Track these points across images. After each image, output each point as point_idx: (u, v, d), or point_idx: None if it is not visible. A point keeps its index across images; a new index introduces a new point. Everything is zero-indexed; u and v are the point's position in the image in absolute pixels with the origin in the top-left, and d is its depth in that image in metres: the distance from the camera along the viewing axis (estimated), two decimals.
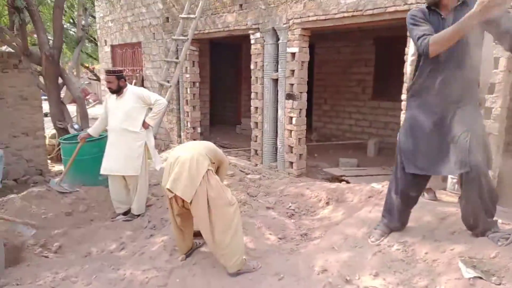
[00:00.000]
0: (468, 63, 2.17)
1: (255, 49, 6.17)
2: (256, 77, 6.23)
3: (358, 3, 4.76)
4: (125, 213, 4.27)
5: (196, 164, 2.63)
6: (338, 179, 5.33)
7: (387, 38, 7.33)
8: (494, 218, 2.26)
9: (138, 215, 4.22)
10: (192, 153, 2.71)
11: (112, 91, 4.13)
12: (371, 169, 5.66)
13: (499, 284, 1.84)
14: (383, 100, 7.71)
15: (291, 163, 5.73)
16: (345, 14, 4.92)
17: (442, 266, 2.12)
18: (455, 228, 2.47)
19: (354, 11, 4.82)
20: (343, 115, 8.63)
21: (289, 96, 5.69)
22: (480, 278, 1.90)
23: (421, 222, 2.69)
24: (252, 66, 6.26)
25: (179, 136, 8.23)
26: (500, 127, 3.67)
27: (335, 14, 5.02)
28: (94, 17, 11.75)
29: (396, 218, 2.57)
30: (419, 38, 2.14)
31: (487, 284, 1.86)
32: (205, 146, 2.90)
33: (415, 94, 2.37)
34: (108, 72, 4.09)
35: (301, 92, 5.67)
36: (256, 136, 6.30)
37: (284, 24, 5.67)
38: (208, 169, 2.64)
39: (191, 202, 2.56)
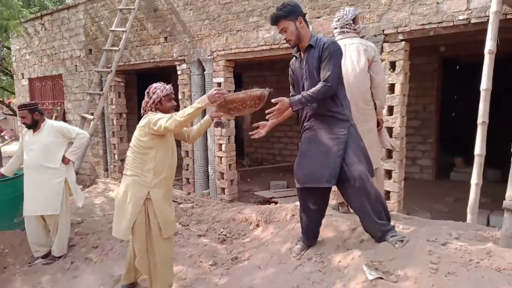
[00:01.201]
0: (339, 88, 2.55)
1: (182, 79, 6.30)
2: (184, 107, 6.32)
3: (275, 37, 5.16)
4: (44, 256, 3.98)
5: (130, 199, 2.66)
6: (268, 201, 5.53)
7: None
8: (392, 223, 2.56)
9: (60, 257, 3.97)
10: (127, 185, 2.73)
11: (28, 126, 3.94)
12: None
13: (396, 282, 2.09)
14: None
15: (223, 189, 5.83)
16: (264, 47, 5.29)
17: (352, 271, 2.35)
18: (364, 236, 2.74)
19: (271, 45, 5.21)
20: (272, 140, 9.01)
21: (218, 124, 5.80)
22: (381, 278, 2.14)
23: (336, 233, 2.94)
24: (179, 96, 6.35)
25: (106, 170, 7.92)
26: (401, 144, 4.17)
27: (255, 47, 5.37)
28: (10, 49, 11.04)
29: (308, 232, 2.79)
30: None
31: (387, 283, 2.11)
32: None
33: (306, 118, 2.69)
34: (20, 107, 3.91)
35: (229, 120, 5.87)
36: (187, 165, 6.32)
37: (208, 55, 5.90)
38: (146, 198, 2.68)
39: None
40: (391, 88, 4.10)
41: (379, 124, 3.28)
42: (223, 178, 5.82)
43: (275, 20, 2.51)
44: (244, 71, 8.92)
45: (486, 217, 4.48)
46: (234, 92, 3.62)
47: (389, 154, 4.16)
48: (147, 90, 2.86)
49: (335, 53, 2.43)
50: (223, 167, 5.80)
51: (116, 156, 7.53)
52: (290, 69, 2.79)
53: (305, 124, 2.68)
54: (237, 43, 5.56)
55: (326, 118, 2.53)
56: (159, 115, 2.68)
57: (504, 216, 2.34)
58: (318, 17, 4.73)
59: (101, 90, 6.67)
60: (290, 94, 2.78)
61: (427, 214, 4.74)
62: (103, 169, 7.95)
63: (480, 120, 3.00)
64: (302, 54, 2.62)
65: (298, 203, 4.22)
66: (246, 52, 5.50)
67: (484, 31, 3.18)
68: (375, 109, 3.18)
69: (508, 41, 2.88)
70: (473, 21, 3.57)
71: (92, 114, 6.62)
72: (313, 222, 2.73)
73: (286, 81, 9.17)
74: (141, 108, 2.90)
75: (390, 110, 4.14)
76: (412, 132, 6.73)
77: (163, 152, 2.75)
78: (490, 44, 3.00)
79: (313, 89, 2.42)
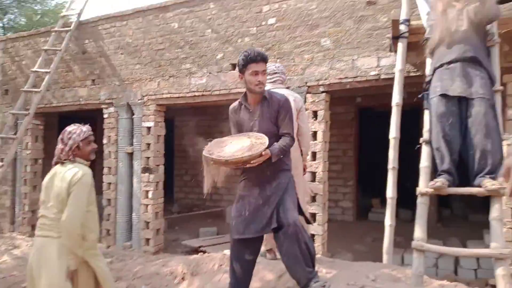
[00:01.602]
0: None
1: (109, 123, 6.04)
2: (110, 151, 6.01)
3: (207, 84, 5.26)
4: None
5: (47, 274, 2.22)
6: (197, 250, 5.29)
7: None
8: (316, 268, 2.57)
9: None
10: (41, 253, 2.27)
11: None
12: (228, 236, 5.81)
13: None
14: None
15: (148, 239, 5.47)
16: (196, 93, 5.34)
17: None
18: (290, 283, 2.70)
19: (203, 91, 5.29)
20: (203, 184, 8.83)
21: (146, 170, 5.63)
22: None
23: (263, 281, 2.86)
24: (105, 141, 6.05)
25: (12, 223, 7.03)
26: (324, 188, 4.34)
27: (187, 93, 5.40)
28: None
29: (238, 282, 2.68)
30: None
31: None
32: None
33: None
34: None
35: (157, 165, 5.68)
36: (109, 215, 5.88)
37: (139, 100, 5.78)
38: (68, 269, 2.24)
39: None
40: (314, 135, 4.33)
41: (304, 169, 3.40)
42: (148, 228, 5.49)
43: (266, 60, 2.49)
44: (177, 115, 8.87)
45: (400, 255, 4.75)
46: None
47: (313, 198, 4.29)
48: (60, 136, 2.49)
49: (290, 109, 2.59)
50: (149, 215, 5.50)
51: (26, 207, 6.75)
52: (232, 114, 2.71)
53: (247, 170, 2.64)
54: (169, 88, 5.55)
55: (273, 167, 2.54)
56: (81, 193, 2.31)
57: (413, 255, 2.48)
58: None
59: (15, 133, 6.10)
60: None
61: (349, 255, 4.89)
62: (9, 222, 7.06)
63: (390, 165, 3.25)
64: (251, 104, 2.60)
65: (227, 251, 4.09)
66: (179, 97, 5.50)
67: (392, 86, 3.57)
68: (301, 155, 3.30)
69: (413, 94, 3.26)
70: (382, 76, 4.00)
71: (2, 160, 5.97)
72: (247, 274, 2.64)
73: (219, 125, 9.16)
74: (55, 157, 2.48)
75: (314, 156, 4.34)
76: (334, 175, 7.08)
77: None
78: (397, 98, 3.34)
79: (283, 142, 2.48)
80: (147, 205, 5.54)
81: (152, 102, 5.70)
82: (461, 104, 2.69)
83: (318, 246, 4.16)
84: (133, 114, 5.89)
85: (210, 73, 5.26)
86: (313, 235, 4.19)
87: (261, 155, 2.31)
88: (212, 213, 7.80)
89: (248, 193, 2.58)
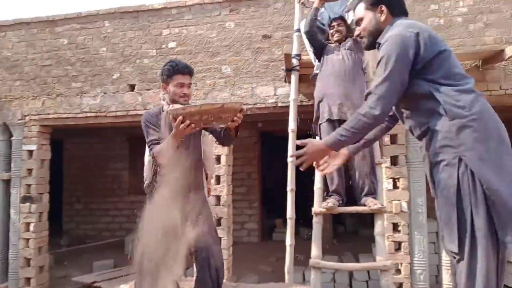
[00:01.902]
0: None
1: None
2: None
3: (102, 105, 4.93)
4: None
5: None
6: (89, 286, 4.80)
7: (141, 137, 7.77)
8: None
9: None
10: None
11: None
12: (127, 268, 5.42)
13: None
14: (139, 194, 7.85)
15: (29, 279, 4.77)
16: (89, 114, 4.96)
17: None
18: None
19: (97, 112, 4.94)
20: (99, 213, 8.15)
21: (26, 199, 4.95)
22: None
23: None
24: None
25: None
26: (228, 211, 4.40)
27: (78, 113, 4.98)
28: None
29: None
30: (150, 144, 2.41)
31: None
32: None
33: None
34: None
35: (41, 193, 5.05)
36: None
37: (19, 120, 5.12)
38: None
39: None
40: (218, 159, 4.38)
41: (208, 193, 3.40)
42: (29, 265, 4.80)
43: (192, 73, 2.42)
44: (67, 137, 8.06)
45: (302, 273, 5.02)
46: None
47: (218, 221, 4.31)
48: None
49: None
50: (31, 251, 4.82)
51: None
52: (153, 118, 2.44)
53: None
54: (56, 108, 5.04)
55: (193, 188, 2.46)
56: None
57: (311, 273, 2.67)
58: (148, 90, 4.81)
59: None
60: None
61: (254, 277, 5.00)
62: None
63: (288, 187, 3.47)
64: None
65: (124, 286, 3.81)
66: (68, 118, 5.03)
67: (288, 113, 3.85)
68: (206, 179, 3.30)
69: (306, 121, 3.56)
70: (279, 104, 4.30)
71: None
72: None
73: (116, 148, 8.61)
74: None
75: (218, 180, 4.38)
76: (239, 198, 7.24)
77: None
78: (292, 125, 3.62)
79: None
80: (28, 239, 4.86)
81: (35, 123, 5.10)
82: None
83: (223, 270, 4.16)
84: (11, 135, 5.17)
85: (105, 93, 4.95)
86: None
87: (241, 109, 2.04)
88: (109, 244, 7.19)
89: (156, 219, 2.49)
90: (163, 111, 2.53)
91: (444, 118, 1.50)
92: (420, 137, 1.66)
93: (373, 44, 1.77)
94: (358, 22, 1.81)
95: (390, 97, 1.58)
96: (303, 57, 3.82)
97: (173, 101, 2.42)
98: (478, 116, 1.46)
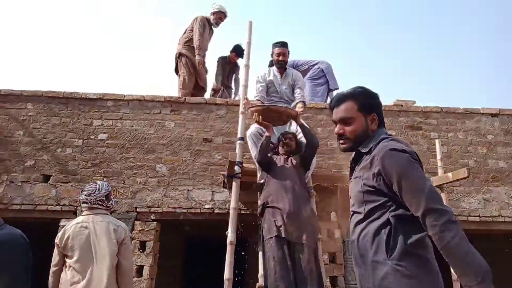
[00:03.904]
0: None
1: None
2: None
3: (3, 195, 4.17)
4: None
5: None
6: None
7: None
8: None
9: None
10: None
11: None
12: None
13: None
14: None
15: None
16: None
17: None
18: None
19: None
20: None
21: None
22: None
23: None
24: None
25: None
26: None
27: None
28: None
29: None
30: None
31: None
32: None
33: None
34: None
35: None
36: None
37: None
38: None
39: None
40: (139, 270, 3.81)
41: None
42: None
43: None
44: None
45: None
46: None
47: None
48: None
49: None
50: None
51: None
52: None
53: None
54: None
55: None
56: None
57: None
58: (66, 183, 4.24)
59: None
60: None
61: None
62: None
63: None
64: None
65: None
66: None
67: (223, 220, 3.62)
68: None
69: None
70: (216, 210, 4.06)
71: None
72: None
73: None
74: None
75: None
76: None
77: None
78: (231, 236, 3.36)
79: None
80: None
81: None
82: None
83: None
84: None
85: (11, 181, 4.24)
86: None
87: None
88: None
89: None
90: None
91: None
92: None
93: (353, 149, 1.63)
94: (345, 120, 1.61)
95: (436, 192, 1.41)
96: (245, 165, 3.79)
97: None
98: None
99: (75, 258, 2.58)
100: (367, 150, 1.55)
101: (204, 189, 4.18)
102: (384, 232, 1.40)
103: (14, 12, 23.13)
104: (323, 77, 5.45)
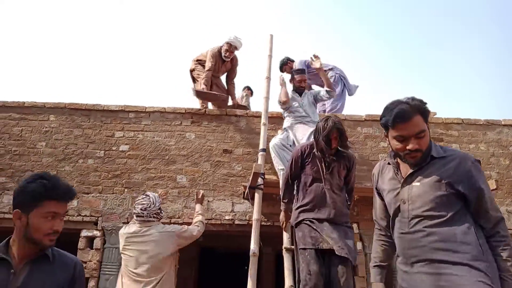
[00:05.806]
0: None
1: None
2: None
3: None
4: None
5: None
6: None
7: None
8: None
9: None
10: None
11: None
12: None
13: None
14: None
15: None
16: (7, 216, 4.16)
17: None
18: None
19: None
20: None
21: None
22: None
23: None
24: None
25: None
26: None
27: None
28: None
29: None
30: None
31: None
32: None
33: None
34: None
35: None
36: None
37: None
38: None
39: None
40: None
41: None
42: None
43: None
44: None
45: None
46: None
47: None
48: None
49: None
50: None
51: None
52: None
53: None
54: None
55: None
56: None
57: None
58: (87, 193, 4.27)
59: None
60: None
61: None
62: None
63: None
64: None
65: None
66: None
67: (243, 232, 3.60)
68: None
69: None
70: (236, 222, 4.04)
71: None
72: None
73: None
74: None
75: None
76: None
77: None
78: (254, 247, 3.34)
79: None
80: None
81: None
82: None
83: None
84: None
85: None
86: None
87: None
88: None
89: None
90: None
91: None
92: None
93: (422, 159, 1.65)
94: (419, 134, 1.60)
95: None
96: (267, 177, 3.79)
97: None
98: None
99: None
100: (440, 156, 1.66)
101: (224, 200, 4.18)
102: (473, 235, 1.56)
103: (38, 24, 23.81)
104: (340, 83, 5.44)
